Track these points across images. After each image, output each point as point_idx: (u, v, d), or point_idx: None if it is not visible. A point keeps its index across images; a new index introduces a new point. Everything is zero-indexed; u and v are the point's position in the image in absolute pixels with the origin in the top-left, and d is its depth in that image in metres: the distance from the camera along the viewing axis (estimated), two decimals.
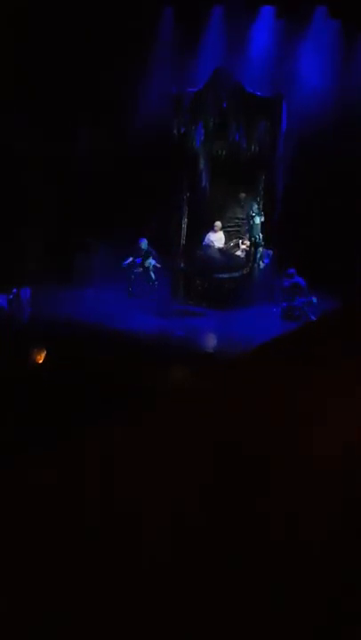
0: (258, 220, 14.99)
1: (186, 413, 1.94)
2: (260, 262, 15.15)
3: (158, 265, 15.12)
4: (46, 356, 9.26)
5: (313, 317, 13.33)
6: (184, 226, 15.59)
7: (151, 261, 15.10)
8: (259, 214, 15.02)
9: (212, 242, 15.66)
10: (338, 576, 1.43)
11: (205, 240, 15.67)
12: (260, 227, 15.00)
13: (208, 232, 15.70)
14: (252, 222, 15.07)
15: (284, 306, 14.14)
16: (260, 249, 15.08)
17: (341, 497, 1.53)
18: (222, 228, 15.79)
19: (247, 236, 15.40)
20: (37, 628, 1.25)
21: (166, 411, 1.99)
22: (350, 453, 1.65)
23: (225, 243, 15.74)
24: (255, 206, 15.12)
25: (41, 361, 9.27)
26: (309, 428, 1.76)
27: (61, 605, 1.30)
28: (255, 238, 15.00)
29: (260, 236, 15.02)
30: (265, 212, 15.20)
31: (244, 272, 15.09)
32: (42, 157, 15.79)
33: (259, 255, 15.10)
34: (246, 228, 15.42)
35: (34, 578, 1.32)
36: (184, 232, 15.57)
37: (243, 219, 15.90)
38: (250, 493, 1.54)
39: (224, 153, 15.42)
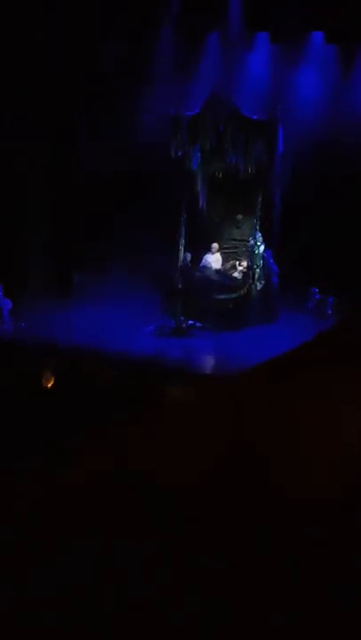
0: (261, 248, 15.10)
1: (183, 427, 1.97)
2: (258, 283, 15.21)
3: None
4: (55, 382, 9.29)
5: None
6: (181, 247, 15.67)
7: None
8: (262, 243, 15.13)
9: (209, 263, 15.73)
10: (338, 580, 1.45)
11: (203, 261, 15.75)
12: (262, 255, 15.13)
13: (205, 253, 15.78)
14: (256, 251, 15.14)
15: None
16: (258, 270, 15.15)
17: (341, 504, 1.56)
18: (219, 250, 15.87)
19: (247, 260, 15.49)
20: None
21: (162, 424, 2.02)
22: (350, 468, 1.68)
23: (222, 264, 15.82)
24: (259, 234, 15.20)
25: (49, 386, 9.29)
26: (309, 443, 1.79)
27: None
28: (257, 266, 15.09)
29: (262, 263, 15.13)
30: (262, 232, 15.32)
31: (242, 293, 15.15)
32: (42, 172, 15.97)
33: (256, 276, 15.17)
34: (248, 257, 15.43)
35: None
36: (182, 253, 15.65)
37: (240, 240, 16.00)
38: (249, 508, 1.56)
39: (221, 175, 15.55)
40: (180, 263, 15.56)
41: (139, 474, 1.58)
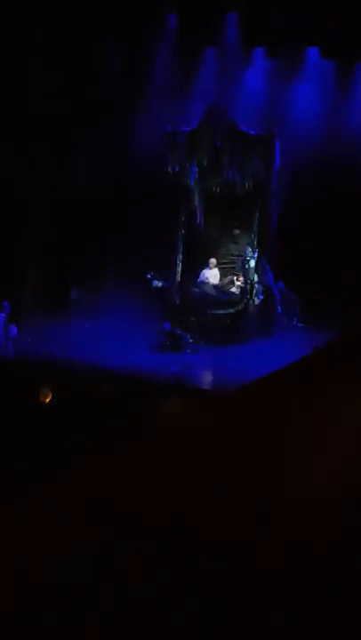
0: (253, 262, 15.13)
1: (182, 430, 1.97)
2: (255, 298, 15.23)
3: None
4: (52, 397, 9.29)
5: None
6: (179, 262, 15.69)
7: None
8: (253, 257, 15.17)
9: (207, 278, 15.75)
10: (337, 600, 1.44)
11: (200, 277, 15.76)
12: (255, 269, 15.15)
13: (203, 269, 15.80)
14: (247, 266, 15.19)
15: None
16: (256, 285, 15.18)
17: (341, 504, 1.56)
18: (217, 265, 15.89)
19: (242, 275, 15.53)
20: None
21: (161, 427, 2.02)
22: (350, 468, 1.68)
23: (220, 279, 15.83)
24: (249, 249, 15.25)
25: (47, 401, 9.29)
26: (308, 457, 1.78)
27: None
28: (251, 280, 15.12)
29: (256, 277, 15.16)
30: (260, 247, 15.36)
31: (239, 308, 15.16)
32: (41, 188, 16.06)
33: (254, 291, 15.18)
34: (241, 270, 15.50)
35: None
36: (180, 268, 15.67)
37: (237, 255, 16.02)
38: (249, 508, 1.56)
39: (218, 190, 15.61)
40: (177, 278, 15.59)
41: (139, 475, 1.58)
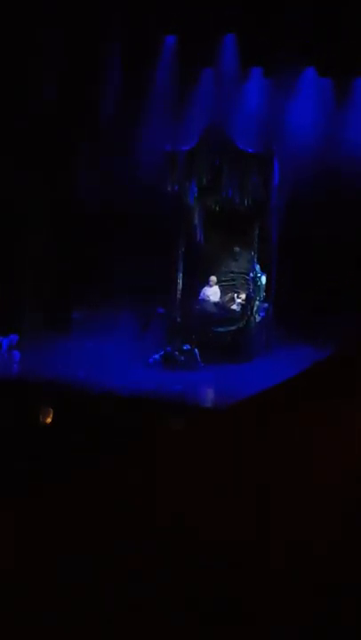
0: (264, 279, 15.22)
1: (184, 438, 1.97)
2: (256, 316, 15.27)
3: None
4: (54, 416, 9.27)
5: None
6: (180, 280, 15.75)
7: None
8: (262, 274, 15.25)
9: (207, 296, 15.80)
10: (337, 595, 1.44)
11: (201, 294, 15.82)
12: (264, 286, 15.24)
13: (204, 286, 15.85)
14: (259, 283, 15.24)
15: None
16: (257, 302, 15.22)
17: (341, 524, 1.56)
18: (217, 282, 15.94)
19: (246, 291, 15.57)
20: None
21: (164, 452, 2.02)
22: (350, 468, 1.68)
23: (220, 297, 15.88)
24: (257, 266, 15.32)
25: (49, 421, 9.27)
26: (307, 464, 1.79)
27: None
28: (260, 297, 15.18)
29: (264, 294, 15.23)
30: (259, 265, 15.42)
31: (240, 326, 15.19)
32: (40, 210, 16.11)
33: (255, 309, 15.23)
34: (251, 288, 15.51)
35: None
36: (180, 286, 15.72)
37: (238, 272, 16.07)
38: (249, 508, 1.57)
39: (218, 208, 15.68)
40: (178, 296, 15.66)
41: (139, 476, 1.59)
